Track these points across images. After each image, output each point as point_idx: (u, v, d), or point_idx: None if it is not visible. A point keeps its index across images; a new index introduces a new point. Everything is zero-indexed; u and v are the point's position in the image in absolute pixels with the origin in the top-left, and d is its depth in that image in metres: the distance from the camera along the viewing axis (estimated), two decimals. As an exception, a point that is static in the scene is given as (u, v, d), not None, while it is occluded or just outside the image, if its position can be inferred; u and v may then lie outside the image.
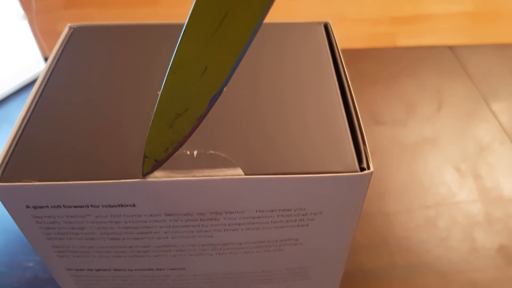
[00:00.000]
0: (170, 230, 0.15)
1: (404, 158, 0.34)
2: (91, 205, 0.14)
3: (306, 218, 0.15)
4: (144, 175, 0.13)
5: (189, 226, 0.15)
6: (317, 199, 0.15)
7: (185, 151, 0.14)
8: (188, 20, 0.10)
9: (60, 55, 0.18)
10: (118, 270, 0.16)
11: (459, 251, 0.28)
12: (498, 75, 0.42)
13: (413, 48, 0.45)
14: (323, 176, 0.14)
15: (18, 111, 0.38)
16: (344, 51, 0.45)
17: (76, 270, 0.16)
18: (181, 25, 0.19)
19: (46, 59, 0.41)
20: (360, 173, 0.14)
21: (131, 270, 0.16)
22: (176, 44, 0.11)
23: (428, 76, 0.41)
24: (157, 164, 0.13)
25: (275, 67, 0.18)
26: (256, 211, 0.15)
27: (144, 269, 0.16)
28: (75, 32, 0.19)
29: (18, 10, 0.37)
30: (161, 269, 0.16)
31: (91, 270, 0.16)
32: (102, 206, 0.14)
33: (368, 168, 0.14)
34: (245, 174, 0.14)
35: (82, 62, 0.18)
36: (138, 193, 0.13)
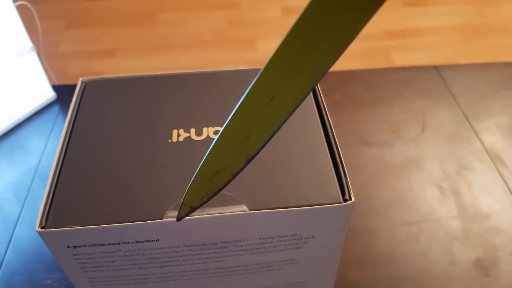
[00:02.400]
0: (188, 258, 0.18)
1: (389, 178, 0.36)
2: (122, 242, 0.16)
3: (301, 242, 0.18)
4: (179, 219, 0.15)
5: (203, 254, 0.18)
6: (309, 226, 0.18)
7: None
8: (242, 100, 0.12)
9: (78, 109, 0.21)
10: (142, 294, 0.19)
11: (439, 264, 0.30)
12: (481, 95, 0.43)
13: (400, 69, 0.47)
14: (314, 208, 0.17)
15: (30, 137, 0.41)
16: (334, 73, 0.47)
17: (106, 296, 0.19)
18: (184, 75, 0.23)
19: (53, 87, 0.44)
20: (343, 203, 0.17)
21: (153, 293, 0.19)
22: (227, 119, 0.13)
23: (414, 98, 0.43)
24: (191, 210, 0.15)
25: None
26: (259, 238, 0.18)
27: (164, 292, 0.19)
28: (87, 86, 0.22)
29: (26, 42, 0.40)
30: (178, 292, 0.19)
31: (119, 295, 0.19)
32: (131, 242, 0.17)
33: (350, 198, 0.17)
34: (249, 210, 0.17)
35: (98, 114, 0.21)
36: (161, 230, 0.16)
